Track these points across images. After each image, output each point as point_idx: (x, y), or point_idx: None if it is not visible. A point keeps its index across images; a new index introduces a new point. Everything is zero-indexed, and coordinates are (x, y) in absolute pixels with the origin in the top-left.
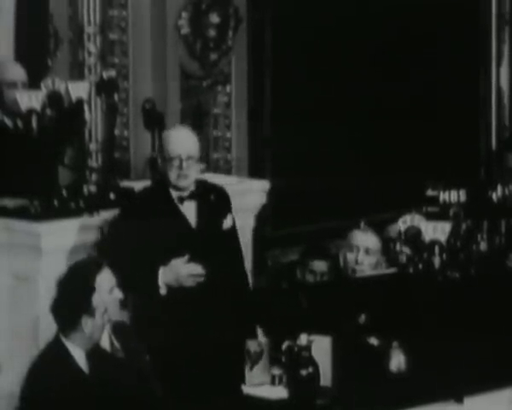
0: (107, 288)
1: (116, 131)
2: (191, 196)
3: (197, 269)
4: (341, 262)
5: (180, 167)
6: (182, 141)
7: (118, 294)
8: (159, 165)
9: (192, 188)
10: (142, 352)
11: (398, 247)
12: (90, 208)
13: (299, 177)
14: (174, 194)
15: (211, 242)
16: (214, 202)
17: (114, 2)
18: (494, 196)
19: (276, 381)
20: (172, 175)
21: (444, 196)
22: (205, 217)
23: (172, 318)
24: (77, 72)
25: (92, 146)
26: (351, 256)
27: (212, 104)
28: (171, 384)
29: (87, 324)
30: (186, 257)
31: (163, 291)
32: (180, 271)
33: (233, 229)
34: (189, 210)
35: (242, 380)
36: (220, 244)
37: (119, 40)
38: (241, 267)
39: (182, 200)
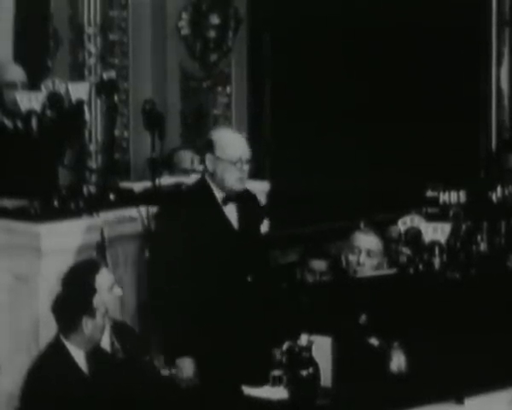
0: (107, 286)
1: (116, 132)
2: (234, 199)
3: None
4: (343, 263)
5: (241, 170)
6: (242, 145)
7: (118, 291)
8: (207, 166)
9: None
10: (143, 352)
11: (398, 248)
12: (90, 209)
13: (299, 178)
14: (218, 195)
15: (252, 244)
16: (253, 205)
17: (115, 3)
18: (494, 197)
19: (277, 381)
20: (231, 178)
21: (444, 197)
22: (246, 220)
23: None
24: (77, 72)
25: (92, 147)
26: (352, 258)
27: (211, 105)
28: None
29: (87, 325)
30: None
31: None
32: (184, 367)
33: (266, 233)
34: (231, 212)
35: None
36: (260, 247)
37: (120, 41)
38: (272, 270)
39: (226, 202)
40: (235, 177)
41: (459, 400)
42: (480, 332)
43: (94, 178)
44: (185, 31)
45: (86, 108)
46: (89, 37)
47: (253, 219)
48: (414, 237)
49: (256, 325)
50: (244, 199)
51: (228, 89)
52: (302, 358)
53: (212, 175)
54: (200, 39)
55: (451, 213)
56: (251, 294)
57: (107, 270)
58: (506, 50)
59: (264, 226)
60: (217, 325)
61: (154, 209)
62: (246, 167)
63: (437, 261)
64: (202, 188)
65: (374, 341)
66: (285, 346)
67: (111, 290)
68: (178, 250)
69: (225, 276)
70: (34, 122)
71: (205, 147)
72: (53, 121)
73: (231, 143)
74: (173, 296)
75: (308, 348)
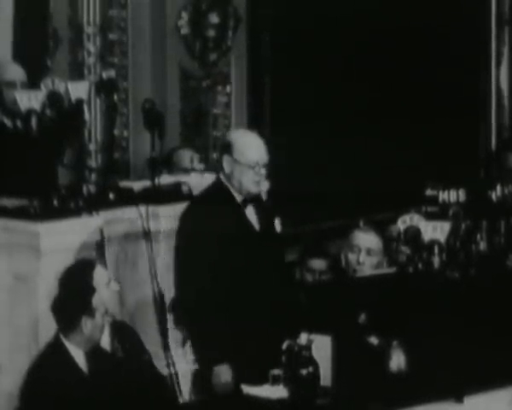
0: (104, 282)
1: (116, 132)
2: (253, 200)
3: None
4: (343, 262)
5: (258, 174)
6: (260, 148)
7: (115, 286)
8: (224, 167)
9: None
10: (143, 352)
11: (397, 246)
12: (90, 208)
13: (299, 177)
14: (238, 197)
15: (273, 244)
16: (268, 206)
17: (114, 3)
18: (494, 196)
19: (277, 380)
20: (248, 181)
21: (443, 196)
22: (265, 220)
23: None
24: (76, 72)
25: (92, 146)
26: (352, 257)
27: (211, 104)
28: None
29: (87, 324)
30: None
31: None
32: (223, 375)
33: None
34: (250, 214)
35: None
36: (279, 246)
37: (119, 40)
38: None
39: (245, 203)
40: (252, 180)
41: (459, 399)
42: (479, 331)
43: (93, 177)
44: (185, 30)
45: (86, 108)
46: (88, 36)
47: (271, 219)
48: (413, 235)
49: (280, 323)
50: (261, 200)
51: (227, 88)
52: (302, 357)
53: (229, 177)
54: (200, 39)
55: (451, 212)
56: (276, 293)
57: (101, 267)
58: (505, 50)
59: (278, 226)
60: (249, 327)
61: (153, 208)
62: (263, 171)
63: (436, 260)
64: (221, 190)
65: (373, 340)
66: (285, 345)
67: (108, 286)
68: (211, 254)
69: (253, 278)
70: (34, 121)
71: (222, 148)
72: (52, 120)
73: (250, 146)
74: (209, 303)
75: (308, 347)
